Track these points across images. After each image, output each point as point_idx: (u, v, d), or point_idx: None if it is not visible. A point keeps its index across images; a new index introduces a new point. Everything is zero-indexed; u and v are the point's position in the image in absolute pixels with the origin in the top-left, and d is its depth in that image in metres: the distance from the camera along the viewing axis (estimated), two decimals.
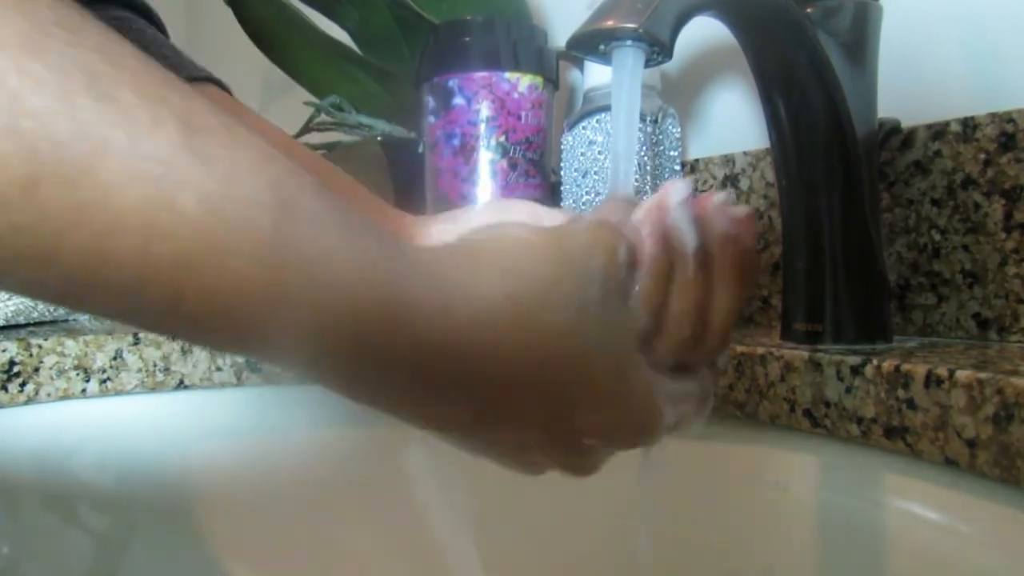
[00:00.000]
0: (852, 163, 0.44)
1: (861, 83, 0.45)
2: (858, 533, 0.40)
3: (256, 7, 0.77)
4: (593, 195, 0.57)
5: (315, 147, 0.74)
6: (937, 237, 0.50)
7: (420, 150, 0.68)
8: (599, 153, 0.57)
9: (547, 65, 0.65)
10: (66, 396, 0.50)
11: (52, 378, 0.50)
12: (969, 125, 0.49)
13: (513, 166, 0.63)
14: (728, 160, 0.63)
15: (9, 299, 0.58)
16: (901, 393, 0.37)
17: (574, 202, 0.58)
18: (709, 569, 0.46)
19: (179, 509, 0.52)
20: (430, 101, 0.65)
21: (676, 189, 0.30)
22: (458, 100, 0.63)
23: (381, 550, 0.53)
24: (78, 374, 0.50)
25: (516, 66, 0.63)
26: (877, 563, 0.39)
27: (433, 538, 0.52)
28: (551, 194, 0.65)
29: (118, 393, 0.51)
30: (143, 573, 0.51)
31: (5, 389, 0.49)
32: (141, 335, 0.51)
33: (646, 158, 0.56)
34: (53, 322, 0.63)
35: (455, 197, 0.63)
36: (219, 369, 0.53)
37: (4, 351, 0.49)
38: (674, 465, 0.48)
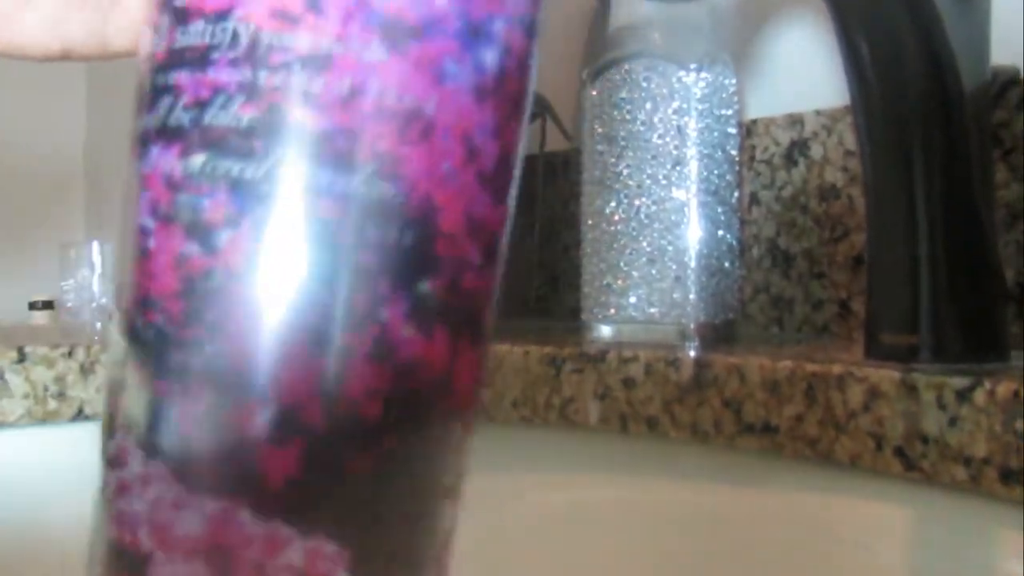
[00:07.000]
0: (957, 125, 0.44)
1: (969, 21, 0.44)
2: None
3: None
4: (624, 169, 0.57)
5: None
6: None
7: None
8: (627, 113, 0.57)
9: None
10: None
11: None
12: None
13: None
14: (795, 121, 0.63)
15: None
16: (1020, 426, 0.36)
17: (600, 174, 0.58)
18: None
19: (81, 568, 0.52)
20: None
21: None
22: None
23: None
24: None
25: None
26: None
27: None
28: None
29: None
30: None
31: None
32: (28, 350, 0.51)
33: (690, 119, 0.55)
34: None
35: None
36: None
37: None
38: (729, 519, 0.47)
